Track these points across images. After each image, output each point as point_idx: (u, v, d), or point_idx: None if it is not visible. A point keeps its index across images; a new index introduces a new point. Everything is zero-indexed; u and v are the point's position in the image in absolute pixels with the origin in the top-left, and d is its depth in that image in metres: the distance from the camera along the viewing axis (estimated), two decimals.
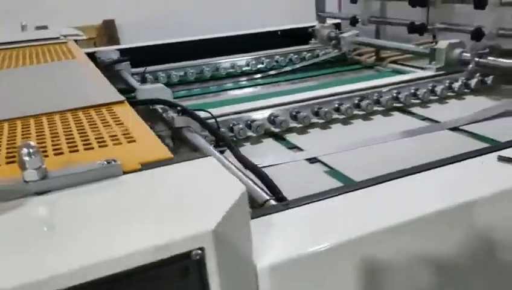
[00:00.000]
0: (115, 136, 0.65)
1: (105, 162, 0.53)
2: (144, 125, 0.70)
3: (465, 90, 1.42)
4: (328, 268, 0.55)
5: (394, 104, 1.33)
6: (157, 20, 2.99)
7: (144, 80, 1.68)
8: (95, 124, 0.71)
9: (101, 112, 0.77)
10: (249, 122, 1.17)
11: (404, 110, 1.34)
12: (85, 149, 0.61)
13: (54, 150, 0.61)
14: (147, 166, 0.55)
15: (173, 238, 0.41)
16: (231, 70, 1.89)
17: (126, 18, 2.97)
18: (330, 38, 2.02)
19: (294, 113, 1.22)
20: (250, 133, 1.17)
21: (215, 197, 0.48)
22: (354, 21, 1.91)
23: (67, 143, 0.63)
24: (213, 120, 1.10)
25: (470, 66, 1.44)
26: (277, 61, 1.95)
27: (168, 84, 1.67)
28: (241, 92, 1.73)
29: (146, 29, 2.83)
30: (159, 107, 1.15)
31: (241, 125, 1.15)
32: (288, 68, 1.89)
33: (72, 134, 0.66)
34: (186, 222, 0.43)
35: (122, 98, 0.83)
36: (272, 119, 1.19)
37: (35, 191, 0.50)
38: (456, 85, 1.41)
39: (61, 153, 0.59)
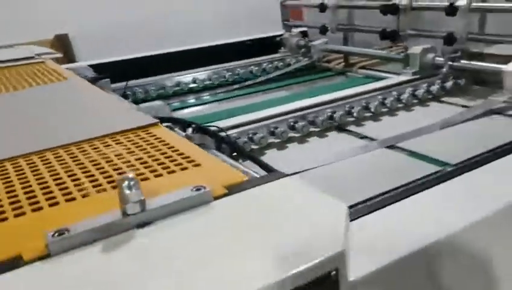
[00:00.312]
0: (175, 160, 0.64)
1: (194, 189, 0.53)
2: (196, 147, 0.70)
3: (442, 93, 1.51)
4: (405, 276, 0.57)
5: (382, 110, 1.39)
6: (112, 32, 2.92)
7: (125, 97, 1.63)
8: (144, 148, 0.69)
9: (141, 136, 0.75)
10: None
11: (392, 115, 1.40)
12: (155, 176, 0.59)
13: None
14: (232, 190, 0.55)
15: (314, 261, 0.41)
16: (208, 82, 1.88)
17: (80, 32, 2.87)
18: (299, 46, 2.06)
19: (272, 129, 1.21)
20: None
21: (325, 216, 0.49)
22: (323, 29, 1.96)
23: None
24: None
25: (444, 69, 1.53)
26: (251, 72, 1.96)
27: (146, 100, 1.66)
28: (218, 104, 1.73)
29: (101, 42, 2.75)
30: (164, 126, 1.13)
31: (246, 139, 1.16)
32: (263, 78, 1.91)
33: (129, 161, 0.64)
34: (317, 244, 0.44)
35: (154, 119, 0.81)
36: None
37: (136, 223, 0.48)
38: (434, 88, 1.50)
39: None
